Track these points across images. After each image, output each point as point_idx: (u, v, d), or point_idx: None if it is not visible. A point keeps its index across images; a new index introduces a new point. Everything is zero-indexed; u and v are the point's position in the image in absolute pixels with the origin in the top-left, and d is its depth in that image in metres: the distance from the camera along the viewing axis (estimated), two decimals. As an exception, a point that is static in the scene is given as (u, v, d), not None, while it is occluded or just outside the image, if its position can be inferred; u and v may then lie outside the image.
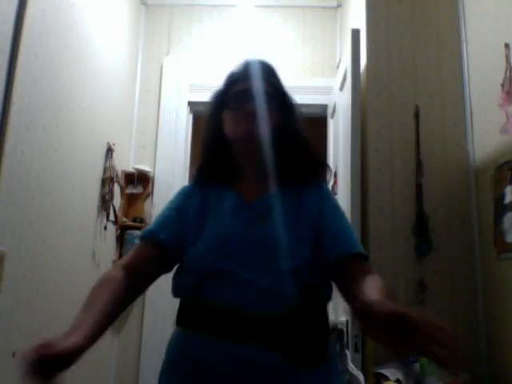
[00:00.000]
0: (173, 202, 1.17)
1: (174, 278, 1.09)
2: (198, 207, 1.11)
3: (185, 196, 1.16)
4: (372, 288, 0.85)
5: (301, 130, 1.16)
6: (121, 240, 2.80)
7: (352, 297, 0.91)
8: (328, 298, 1.08)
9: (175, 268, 1.12)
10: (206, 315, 0.99)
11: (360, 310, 0.70)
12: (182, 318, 1.05)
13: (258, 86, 1.11)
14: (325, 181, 1.20)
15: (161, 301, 2.76)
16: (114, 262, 2.71)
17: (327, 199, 1.14)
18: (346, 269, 1.01)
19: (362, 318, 0.69)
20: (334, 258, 1.02)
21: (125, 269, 1.04)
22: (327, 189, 1.18)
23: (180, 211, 1.12)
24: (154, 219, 1.16)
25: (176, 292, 1.09)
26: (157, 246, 1.08)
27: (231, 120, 1.11)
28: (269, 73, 1.16)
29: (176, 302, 1.09)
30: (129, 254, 1.10)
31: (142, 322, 2.80)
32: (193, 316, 1.01)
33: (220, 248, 1.01)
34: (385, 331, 0.64)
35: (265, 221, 1.05)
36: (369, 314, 0.66)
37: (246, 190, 1.12)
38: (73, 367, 0.74)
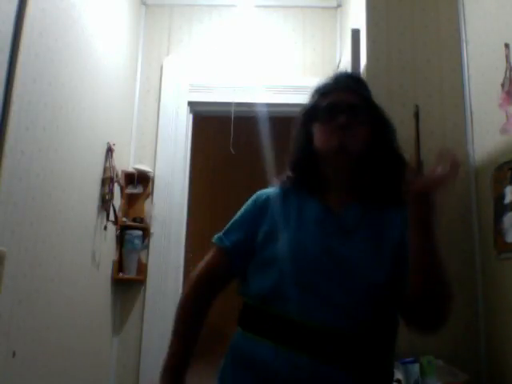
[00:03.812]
0: (245, 208, 1.17)
1: (246, 279, 1.09)
2: (278, 212, 1.10)
3: (261, 202, 1.14)
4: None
5: (393, 146, 1.11)
6: (121, 240, 2.79)
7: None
8: (397, 325, 1.05)
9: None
10: (281, 325, 0.97)
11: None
12: (250, 322, 1.04)
13: (348, 98, 1.07)
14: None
15: (161, 301, 2.75)
16: (113, 262, 2.71)
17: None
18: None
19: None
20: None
21: (200, 285, 1.11)
22: None
23: (253, 217, 1.12)
24: (225, 227, 1.18)
25: (245, 293, 1.08)
26: (224, 253, 1.11)
27: (321, 133, 1.08)
28: (359, 86, 1.13)
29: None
30: (203, 263, 1.14)
31: (141, 321, 2.79)
32: (266, 323, 1.00)
33: (300, 257, 1.00)
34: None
35: (349, 236, 1.03)
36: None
37: (332, 203, 1.09)
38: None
